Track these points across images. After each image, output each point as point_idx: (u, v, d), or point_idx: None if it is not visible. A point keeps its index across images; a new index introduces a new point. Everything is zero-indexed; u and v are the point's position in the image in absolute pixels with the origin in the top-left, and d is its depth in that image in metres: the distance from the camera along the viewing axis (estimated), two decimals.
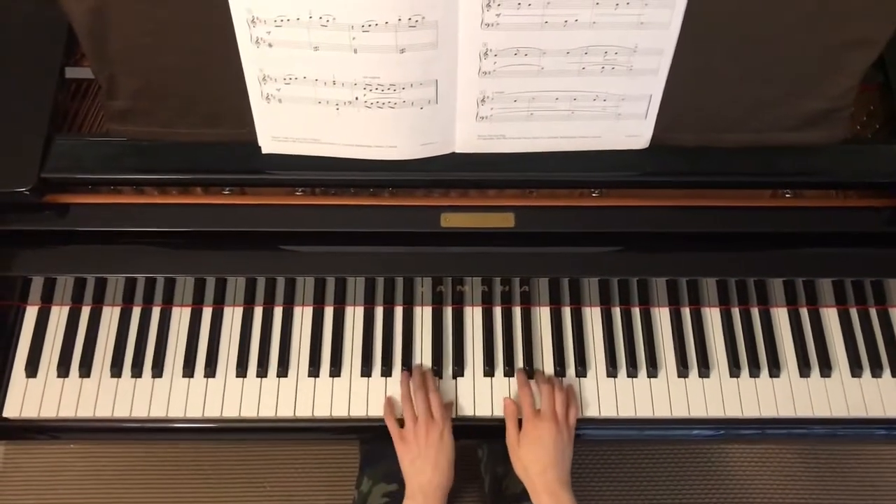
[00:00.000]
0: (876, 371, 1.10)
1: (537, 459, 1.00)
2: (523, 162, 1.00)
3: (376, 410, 1.08)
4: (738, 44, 0.90)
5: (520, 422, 1.05)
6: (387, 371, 1.10)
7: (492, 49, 0.88)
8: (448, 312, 1.14)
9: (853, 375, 1.10)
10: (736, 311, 1.14)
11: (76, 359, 1.10)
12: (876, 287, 1.15)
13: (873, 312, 1.14)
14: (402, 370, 1.10)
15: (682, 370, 1.10)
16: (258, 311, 1.13)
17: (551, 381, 1.07)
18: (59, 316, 1.12)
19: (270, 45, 0.87)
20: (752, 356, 1.11)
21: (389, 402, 1.08)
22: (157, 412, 1.08)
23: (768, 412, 1.08)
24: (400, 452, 1.04)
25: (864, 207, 1.04)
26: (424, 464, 1.01)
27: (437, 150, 0.99)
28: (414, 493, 1.01)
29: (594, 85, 0.92)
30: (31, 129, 1.00)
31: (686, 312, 1.14)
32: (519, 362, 1.11)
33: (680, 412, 1.09)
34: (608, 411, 1.09)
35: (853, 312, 1.14)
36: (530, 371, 1.10)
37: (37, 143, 0.99)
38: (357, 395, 1.09)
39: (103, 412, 1.08)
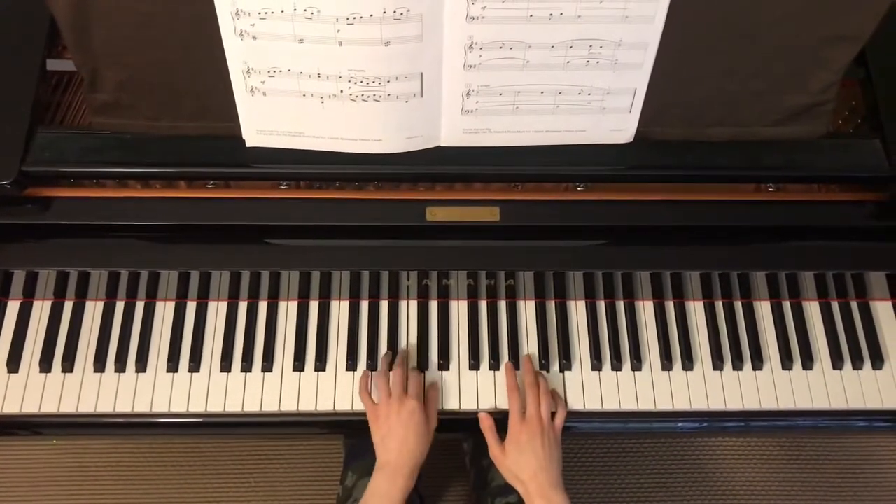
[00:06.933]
0: (857, 363, 1.11)
1: (526, 465, 1.00)
2: (508, 156, 1.00)
3: (362, 405, 1.07)
4: (721, 39, 0.91)
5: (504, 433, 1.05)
6: (372, 365, 1.10)
7: (477, 42, 0.88)
8: (433, 306, 1.14)
9: (834, 368, 1.12)
10: (719, 305, 1.15)
11: (59, 354, 1.09)
12: (857, 280, 1.16)
13: (854, 305, 1.15)
14: (382, 354, 1.10)
15: (666, 363, 1.11)
16: (242, 306, 1.13)
17: (536, 385, 1.06)
18: (41, 311, 1.12)
19: (255, 38, 0.87)
20: (736, 349, 1.12)
21: (365, 378, 1.08)
22: (141, 407, 1.07)
23: (751, 405, 1.09)
24: (372, 428, 1.04)
25: (846, 201, 1.06)
26: (392, 441, 1.01)
27: (423, 143, 0.98)
28: (382, 466, 1.01)
29: (579, 79, 0.93)
30: (12, 121, 0.99)
31: (670, 306, 1.15)
32: (504, 356, 1.11)
33: (664, 405, 1.09)
34: (592, 404, 1.09)
35: (835, 306, 1.15)
36: (515, 363, 1.10)
37: (18, 136, 0.98)
38: (342, 389, 1.09)
39: (86, 407, 1.07)
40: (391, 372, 1.07)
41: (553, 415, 1.05)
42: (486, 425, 1.06)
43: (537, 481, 0.98)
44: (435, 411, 1.06)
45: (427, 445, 1.03)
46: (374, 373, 1.09)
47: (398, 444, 1.01)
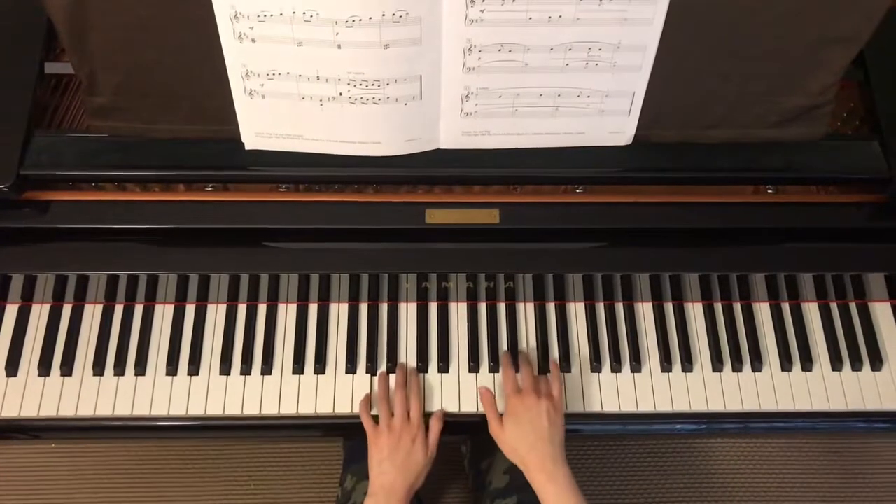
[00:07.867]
0: (856, 365, 1.11)
1: (524, 438, 0.98)
2: (508, 158, 1.00)
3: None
4: (720, 41, 0.91)
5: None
6: (371, 368, 1.10)
7: (476, 45, 0.88)
8: (433, 309, 1.14)
9: (833, 369, 1.12)
10: (719, 307, 1.15)
11: (57, 357, 1.09)
12: (856, 282, 1.16)
13: (853, 307, 1.15)
14: (381, 372, 1.09)
15: (666, 365, 1.11)
16: (242, 309, 1.13)
17: (532, 363, 1.07)
18: (39, 314, 1.11)
19: (253, 41, 0.87)
20: (735, 351, 1.12)
21: (367, 398, 1.07)
22: (141, 411, 1.07)
23: (750, 406, 1.09)
24: (370, 449, 1.03)
25: (845, 203, 1.06)
26: (391, 466, 1.00)
27: (422, 146, 0.98)
28: (376, 491, 1.00)
29: (578, 81, 0.93)
30: (9, 125, 0.99)
31: (669, 308, 1.15)
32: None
33: (664, 407, 1.09)
34: (592, 406, 1.09)
35: (833, 307, 1.15)
36: (515, 366, 1.10)
37: (16, 140, 0.98)
38: (342, 392, 1.09)
39: (85, 411, 1.06)
40: (394, 395, 1.05)
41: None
42: (487, 400, 1.05)
43: (536, 454, 0.97)
44: (436, 441, 1.04)
45: (424, 474, 1.02)
46: (375, 394, 1.08)
47: (396, 469, 0.99)
